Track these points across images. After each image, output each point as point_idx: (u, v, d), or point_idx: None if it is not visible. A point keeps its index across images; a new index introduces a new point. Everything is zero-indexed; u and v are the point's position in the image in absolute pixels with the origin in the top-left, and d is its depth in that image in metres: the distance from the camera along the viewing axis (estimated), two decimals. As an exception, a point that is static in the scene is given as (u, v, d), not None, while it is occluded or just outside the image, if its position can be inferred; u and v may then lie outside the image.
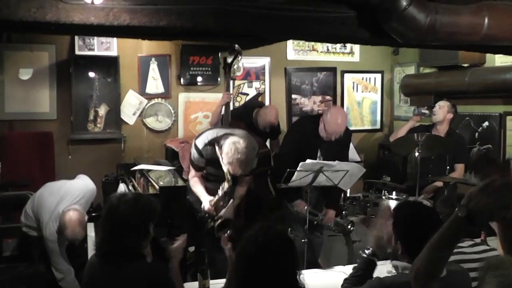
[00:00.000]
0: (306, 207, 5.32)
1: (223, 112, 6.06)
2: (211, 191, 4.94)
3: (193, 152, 4.89)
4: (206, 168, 4.98)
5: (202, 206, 4.86)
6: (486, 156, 6.42)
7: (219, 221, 4.77)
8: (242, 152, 4.48)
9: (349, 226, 5.64)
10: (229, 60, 6.27)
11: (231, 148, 4.48)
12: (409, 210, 3.00)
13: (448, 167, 6.10)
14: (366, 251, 3.18)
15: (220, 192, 4.77)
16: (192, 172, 5.03)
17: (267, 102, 7.78)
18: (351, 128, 8.00)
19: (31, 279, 5.50)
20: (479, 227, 3.15)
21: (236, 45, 6.02)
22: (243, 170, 4.61)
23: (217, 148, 4.68)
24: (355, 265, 3.24)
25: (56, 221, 4.92)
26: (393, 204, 5.87)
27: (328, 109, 5.84)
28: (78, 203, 5.06)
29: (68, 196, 5.05)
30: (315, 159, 5.40)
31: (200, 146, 4.82)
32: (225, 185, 4.76)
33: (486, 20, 4.10)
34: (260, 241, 2.40)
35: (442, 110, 6.41)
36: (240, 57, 6.16)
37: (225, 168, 4.64)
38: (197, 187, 4.98)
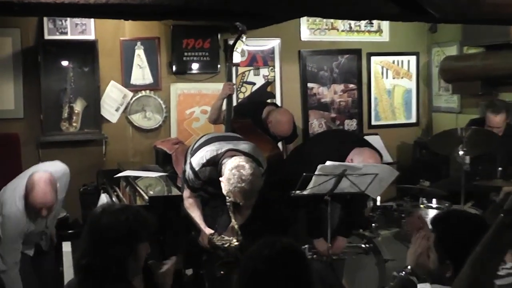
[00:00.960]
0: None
1: (224, 107, 6.07)
2: (209, 218, 4.99)
3: (188, 172, 4.86)
4: (203, 188, 4.97)
5: (199, 239, 4.90)
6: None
7: (220, 262, 4.81)
8: (247, 180, 4.40)
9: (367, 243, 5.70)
10: (231, 42, 6.28)
11: (234, 174, 4.41)
12: (456, 222, 2.99)
13: (500, 168, 6.09)
14: (403, 271, 3.18)
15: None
16: (187, 192, 5.00)
17: (277, 94, 7.80)
18: (380, 122, 8.05)
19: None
20: None
21: (238, 23, 6.03)
22: (246, 199, 4.59)
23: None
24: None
25: (20, 198, 4.89)
26: (432, 213, 5.89)
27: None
28: None
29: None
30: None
31: (197, 168, 4.77)
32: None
33: (540, -11, 4.11)
34: (265, 254, 2.42)
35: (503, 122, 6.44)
36: (244, 37, 6.16)
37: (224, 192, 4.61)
38: (194, 212, 4.98)
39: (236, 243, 4.69)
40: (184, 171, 4.94)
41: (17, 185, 4.99)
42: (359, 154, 5.33)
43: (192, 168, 4.81)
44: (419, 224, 3.10)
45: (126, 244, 3.01)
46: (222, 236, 4.80)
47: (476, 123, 6.45)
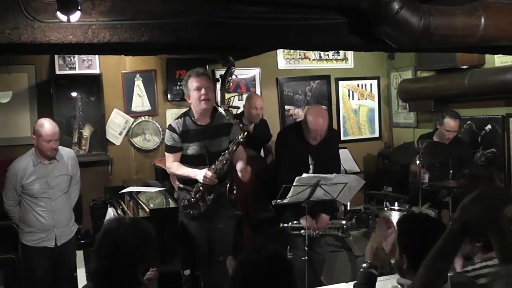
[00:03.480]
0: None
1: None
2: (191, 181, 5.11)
3: (166, 135, 5.20)
4: (184, 149, 5.13)
5: (202, 181, 4.95)
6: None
7: (228, 185, 5.00)
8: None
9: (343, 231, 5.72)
10: (220, 72, 6.29)
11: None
12: (414, 223, 3.01)
13: (451, 171, 6.10)
14: (364, 265, 3.18)
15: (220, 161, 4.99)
16: (169, 158, 5.22)
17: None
18: (348, 137, 8.05)
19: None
20: (475, 238, 3.20)
21: (230, 57, 6.08)
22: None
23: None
24: (355, 282, 3.24)
25: (25, 155, 5.39)
26: (395, 215, 5.89)
27: (307, 110, 5.85)
28: None
29: None
30: (308, 168, 5.45)
31: (172, 123, 5.19)
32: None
33: (482, 21, 4.12)
34: (253, 261, 2.42)
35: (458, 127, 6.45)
36: (233, 68, 6.20)
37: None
38: (182, 169, 5.15)
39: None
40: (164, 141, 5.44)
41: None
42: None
43: (168, 127, 5.24)
44: (388, 224, 3.10)
45: (138, 253, 2.99)
46: (219, 160, 4.98)
47: (425, 137, 6.46)
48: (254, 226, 6.34)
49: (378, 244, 3.08)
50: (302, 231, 5.48)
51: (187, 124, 5.11)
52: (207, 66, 7.32)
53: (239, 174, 5.07)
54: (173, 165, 5.19)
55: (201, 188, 5.01)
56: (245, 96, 7.63)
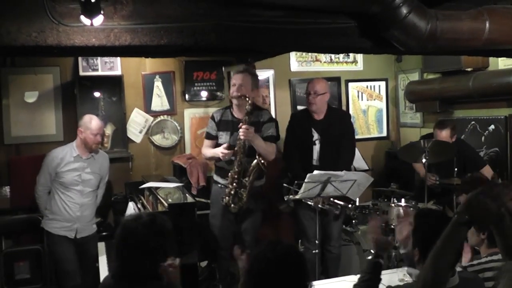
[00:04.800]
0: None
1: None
2: (224, 171, 5.42)
3: (208, 122, 5.71)
4: (219, 137, 5.49)
5: (225, 156, 5.31)
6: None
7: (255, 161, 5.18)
8: None
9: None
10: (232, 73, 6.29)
11: None
12: (430, 218, 2.99)
13: (456, 169, 6.06)
14: (369, 257, 3.19)
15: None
16: (206, 142, 5.68)
17: (272, 115, 7.77)
18: (358, 137, 8.01)
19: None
20: (480, 231, 3.19)
21: (249, 59, 6.19)
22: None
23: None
24: (362, 270, 3.24)
25: (62, 148, 5.52)
26: (402, 211, 5.86)
27: None
28: None
29: None
30: (313, 144, 5.68)
31: (214, 113, 5.68)
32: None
33: (487, 25, 4.10)
34: (268, 257, 2.38)
35: (447, 137, 6.34)
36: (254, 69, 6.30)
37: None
38: (211, 151, 5.54)
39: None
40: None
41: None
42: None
43: (211, 116, 5.71)
44: (406, 215, 3.13)
45: (159, 250, 2.96)
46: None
47: (426, 137, 6.43)
48: (270, 218, 6.33)
49: (377, 233, 3.11)
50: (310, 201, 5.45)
51: (226, 115, 5.50)
52: (223, 68, 7.32)
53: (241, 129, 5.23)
54: (205, 149, 5.64)
55: (233, 174, 5.26)
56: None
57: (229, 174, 5.25)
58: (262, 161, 5.16)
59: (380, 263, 3.14)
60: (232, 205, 5.24)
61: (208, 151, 5.56)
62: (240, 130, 5.14)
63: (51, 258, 5.61)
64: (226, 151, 5.26)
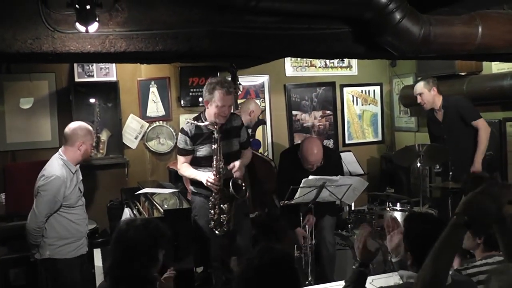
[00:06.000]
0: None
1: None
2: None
3: (179, 138, 5.16)
4: (196, 151, 5.11)
5: (207, 183, 4.88)
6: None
7: (231, 182, 4.84)
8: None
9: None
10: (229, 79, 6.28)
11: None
12: (420, 222, 3.00)
13: (451, 173, 6.08)
14: (354, 266, 3.20)
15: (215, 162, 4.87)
16: (180, 159, 5.20)
17: (268, 120, 7.80)
18: (353, 141, 8.03)
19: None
20: (478, 232, 3.20)
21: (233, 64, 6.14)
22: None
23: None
24: (346, 279, 3.23)
25: (60, 166, 4.80)
26: (397, 215, 5.87)
27: (302, 141, 5.86)
28: None
29: None
30: None
31: (185, 127, 5.11)
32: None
33: (479, 30, 4.12)
34: (256, 264, 2.34)
35: (426, 96, 6.37)
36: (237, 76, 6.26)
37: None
38: (190, 170, 5.13)
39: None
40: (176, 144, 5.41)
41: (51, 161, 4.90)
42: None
43: (180, 130, 5.20)
44: (394, 224, 3.12)
45: (150, 254, 2.99)
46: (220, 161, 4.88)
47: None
48: (263, 225, 6.33)
49: (363, 243, 3.11)
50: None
51: (198, 127, 5.03)
52: (218, 74, 7.32)
53: (234, 169, 5.00)
54: (182, 167, 5.18)
55: (215, 196, 4.90)
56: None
57: (210, 199, 4.96)
58: (239, 182, 4.91)
59: (365, 273, 3.13)
60: (217, 231, 4.98)
61: (188, 170, 5.15)
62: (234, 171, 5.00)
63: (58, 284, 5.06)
64: (211, 179, 4.85)
